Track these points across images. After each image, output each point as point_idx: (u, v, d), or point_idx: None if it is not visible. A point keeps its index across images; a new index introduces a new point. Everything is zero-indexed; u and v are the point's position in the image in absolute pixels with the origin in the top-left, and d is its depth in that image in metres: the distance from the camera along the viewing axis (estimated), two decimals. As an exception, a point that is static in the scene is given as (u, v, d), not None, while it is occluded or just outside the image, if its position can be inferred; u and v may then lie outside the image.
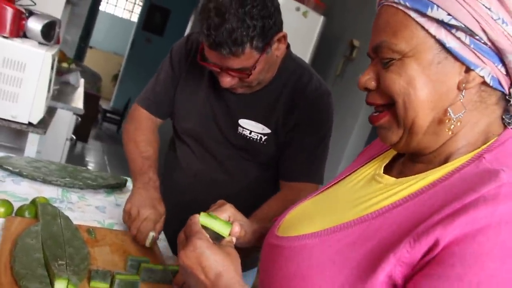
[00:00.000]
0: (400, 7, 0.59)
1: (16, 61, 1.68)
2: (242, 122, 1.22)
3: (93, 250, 0.99)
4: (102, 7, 8.15)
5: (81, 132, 4.51)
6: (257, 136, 1.21)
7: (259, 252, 0.78)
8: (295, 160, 1.21)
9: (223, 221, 0.78)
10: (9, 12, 1.69)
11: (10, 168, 1.27)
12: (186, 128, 1.30)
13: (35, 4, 2.18)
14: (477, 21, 0.56)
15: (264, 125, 1.21)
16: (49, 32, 1.85)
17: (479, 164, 0.57)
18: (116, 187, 1.41)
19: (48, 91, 1.84)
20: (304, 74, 1.22)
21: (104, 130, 6.43)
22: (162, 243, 1.16)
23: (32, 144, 1.86)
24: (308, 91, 1.19)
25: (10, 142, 2.05)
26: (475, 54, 0.57)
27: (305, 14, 3.25)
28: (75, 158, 4.60)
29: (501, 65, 0.58)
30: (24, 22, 1.78)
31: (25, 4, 2.11)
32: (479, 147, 0.61)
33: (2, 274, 0.80)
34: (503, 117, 0.62)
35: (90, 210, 1.22)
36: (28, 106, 1.75)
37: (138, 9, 8.47)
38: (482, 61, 0.57)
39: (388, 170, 0.72)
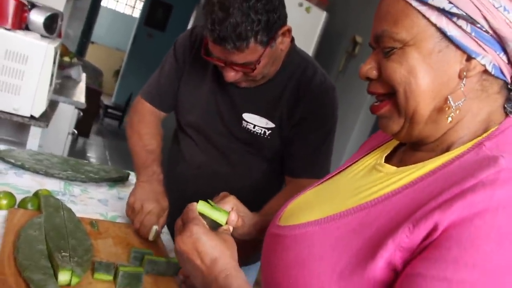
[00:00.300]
0: None
1: (18, 53, 1.67)
2: (246, 116, 1.21)
3: (96, 242, 0.99)
4: (104, 3, 8.13)
5: (82, 127, 4.51)
6: (261, 130, 1.21)
7: (261, 246, 0.78)
8: (300, 156, 1.21)
9: (221, 210, 0.78)
10: (12, 3, 1.68)
11: (12, 161, 1.27)
12: (190, 121, 1.30)
13: (37, -4, 2.17)
14: (479, 9, 0.55)
15: (268, 119, 1.20)
16: (51, 25, 1.84)
17: (479, 152, 0.57)
18: (119, 180, 1.41)
19: (50, 84, 1.83)
20: (308, 67, 1.21)
21: (106, 126, 6.42)
22: (166, 237, 1.15)
23: (34, 137, 1.85)
24: (313, 85, 1.19)
25: (12, 136, 2.05)
26: (476, 43, 0.57)
27: (308, 9, 3.23)
28: (76, 153, 4.59)
29: (502, 53, 0.57)
30: (26, 14, 1.77)
31: (28, -4, 2.09)
32: (480, 136, 0.61)
33: (6, 266, 0.80)
34: (505, 106, 0.62)
35: (93, 203, 1.22)
36: (30, 99, 1.74)
37: (140, 5, 8.45)
38: (484, 49, 0.57)
39: (389, 159, 0.72)
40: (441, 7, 0.56)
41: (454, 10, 0.56)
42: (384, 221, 0.57)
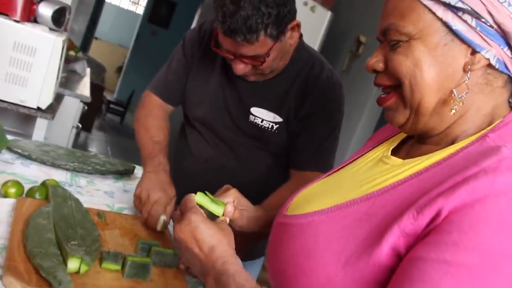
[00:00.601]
0: None
1: (26, 45, 1.68)
2: (254, 110, 1.22)
3: (104, 233, 0.99)
4: (108, -1, 8.14)
5: (85, 121, 4.51)
6: (269, 124, 1.21)
7: (266, 240, 0.79)
8: (305, 149, 1.21)
9: (218, 202, 0.79)
10: (21, -4, 1.69)
11: (19, 151, 1.27)
12: (198, 115, 1.30)
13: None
14: (484, 3, 0.56)
15: (276, 113, 1.21)
16: (59, 18, 1.85)
17: (483, 143, 0.59)
18: (125, 173, 1.41)
19: (57, 77, 1.84)
20: (316, 64, 1.22)
21: (108, 121, 6.43)
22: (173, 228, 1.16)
23: (40, 129, 1.86)
24: (321, 80, 1.19)
25: (17, 128, 2.06)
26: (481, 37, 0.58)
27: (312, 8, 3.24)
28: (79, 147, 4.59)
29: (507, 47, 0.58)
30: (35, 7, 1.78)
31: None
32: (484, 129, 0.62)
33: (16, 253, 0.80)
34: (510, 100, 0.63)
35: (99, 195, 1.22)
36: (37, 91, 1.75)
37: (144, 1, 8.45)
38: (488, 43, 0.58)
39: (396, 152, 0.73)
40: (447, 1, 0.57)
41: (460, 4, 0.57)
42: (390, 209, 0.59)
